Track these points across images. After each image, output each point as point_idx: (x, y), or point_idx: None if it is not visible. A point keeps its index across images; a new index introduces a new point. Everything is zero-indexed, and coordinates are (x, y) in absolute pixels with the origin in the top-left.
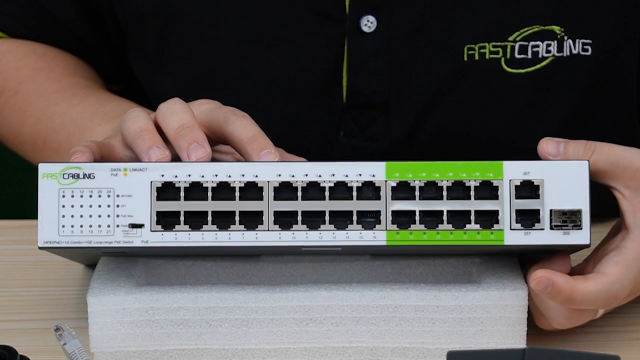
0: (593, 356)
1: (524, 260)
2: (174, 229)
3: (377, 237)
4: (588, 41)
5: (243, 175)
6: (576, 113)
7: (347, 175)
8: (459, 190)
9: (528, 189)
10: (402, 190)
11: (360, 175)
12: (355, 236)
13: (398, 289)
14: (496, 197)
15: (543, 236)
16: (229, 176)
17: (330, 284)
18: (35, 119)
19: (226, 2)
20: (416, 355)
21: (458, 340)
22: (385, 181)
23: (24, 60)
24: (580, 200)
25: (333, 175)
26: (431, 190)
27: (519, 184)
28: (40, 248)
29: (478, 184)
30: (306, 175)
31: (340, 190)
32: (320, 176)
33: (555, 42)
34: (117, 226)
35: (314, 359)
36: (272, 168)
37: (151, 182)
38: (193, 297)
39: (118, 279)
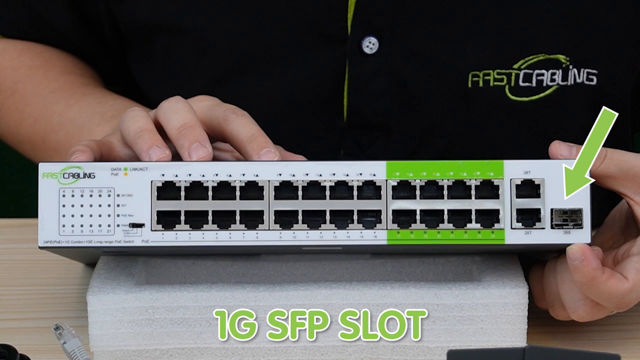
0: (593, 355)
1: (526, 259)
2: (174, 229)
3: (377, 236)
4: (594, 71)
5: (243, 175)
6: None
7: (347, 175)
8: (459, 189)
9: (529, 188)
10: (403, 190)
11: (360, 174)
12: (356, 235)
13: (398, 287)
14: (497, 196)
15: (544, 235)
16: (230, 175)
17: (330, 282)
18: (33, 119)
19: (230, 20)
20: (416, 354)
21: (458, 338)
22: (386, 180)
23: (20, 58)
24: (580, 199)
25: (334, 174)
26: (432, 189)
27: (519, 183)
28: (40, 248)
29: (479, 183)
30: (307, 174)
31: (341, 189)
32: (320, 175)
33: (560, 71)
34: (118, 226)
35: (314, 357)
36: (272, 167)
37: (151, 181)
38: (193, 296)
39: (118, 277)
